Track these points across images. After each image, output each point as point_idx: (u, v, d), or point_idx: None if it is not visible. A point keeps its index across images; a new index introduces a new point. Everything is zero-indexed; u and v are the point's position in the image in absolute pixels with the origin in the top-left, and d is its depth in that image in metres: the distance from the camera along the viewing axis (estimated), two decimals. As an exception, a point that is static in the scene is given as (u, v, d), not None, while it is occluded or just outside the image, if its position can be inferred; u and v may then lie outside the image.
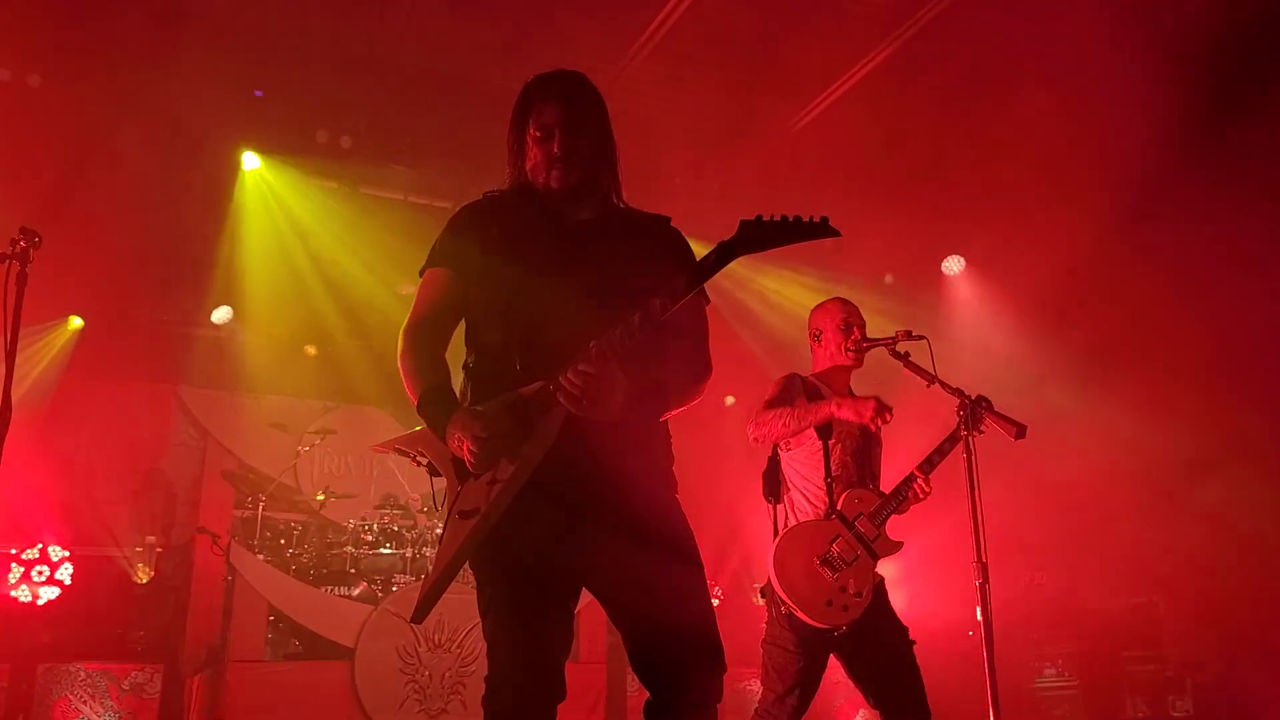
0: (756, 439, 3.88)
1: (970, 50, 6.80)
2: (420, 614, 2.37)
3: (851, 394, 4.01)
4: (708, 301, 2.60)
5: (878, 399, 3.70)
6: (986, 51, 6.74)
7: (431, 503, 2.58)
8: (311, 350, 9.02)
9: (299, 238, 7.96)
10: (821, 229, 2.28)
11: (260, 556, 7.30)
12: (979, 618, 3.36)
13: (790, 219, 2.28)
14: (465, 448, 2.32)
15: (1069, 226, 7.04)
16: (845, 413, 3.72)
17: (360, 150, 7.15)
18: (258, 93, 6.78)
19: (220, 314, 8.41)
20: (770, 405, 3.86)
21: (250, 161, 7.43)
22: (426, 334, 2.56)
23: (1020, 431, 3.49)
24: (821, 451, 3.85)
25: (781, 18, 6.93)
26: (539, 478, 2.32)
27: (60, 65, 6.37)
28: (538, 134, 2.53)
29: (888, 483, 3.94)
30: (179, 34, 6.39)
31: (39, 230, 3.10)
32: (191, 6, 6.60)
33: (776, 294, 8.84)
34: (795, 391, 3.92)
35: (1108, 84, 6.43)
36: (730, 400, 9.18)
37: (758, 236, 2.27)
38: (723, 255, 2.28)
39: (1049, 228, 7.19)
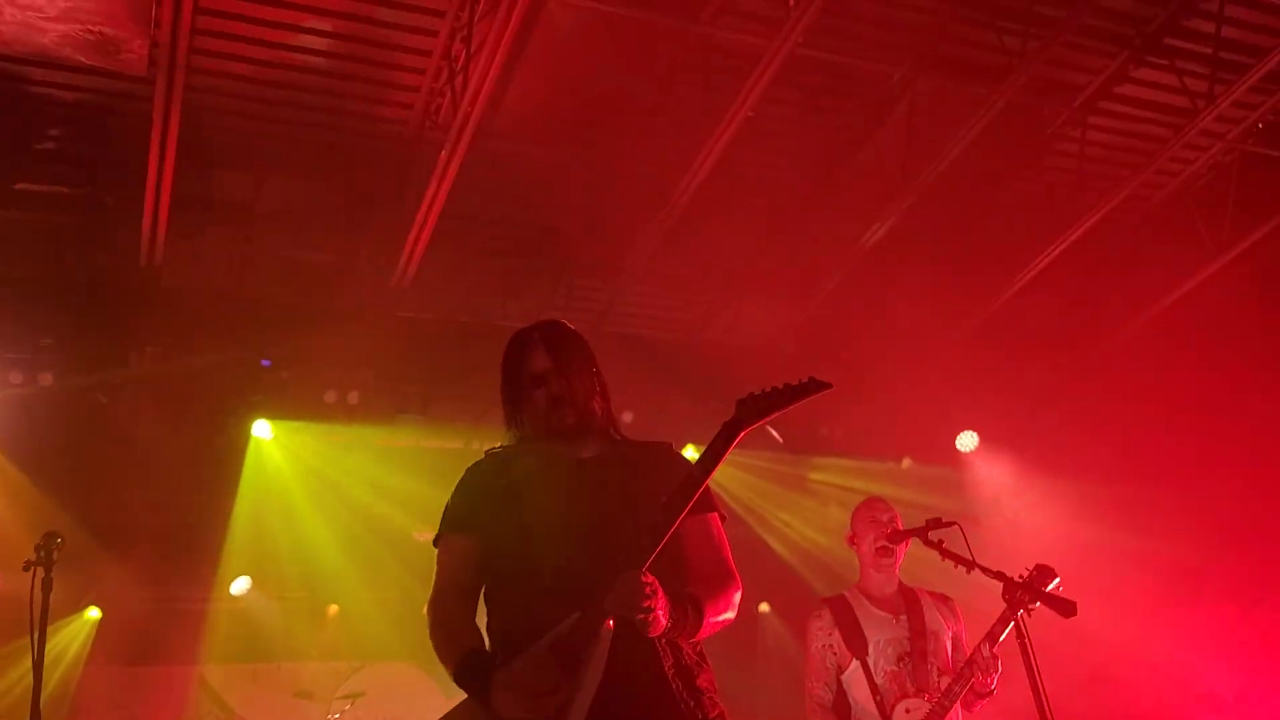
0: None
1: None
2: None
3: (901, 600, 4.02)
4: (724, 517, 2.62)
5: None
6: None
7: None
8: (334, 610, 8.85)
9: (313, 498, 7.94)
10: (811, 386, 2.39)
11: (294, 840, 6.89)
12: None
13: (781, 386, 2.39)
14: (523, 707, 2.24)
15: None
16: None
17: (368, 404, 7.25)
18: (265, 362, 6.96)
19: (239, 585, 8.29)
20: (815, 701, 3.94)
21: (261, 430, 7.51)
22: (452, 603, 2.56)
23: (1070, 610, 3.38)
24: (863, 671, 3.83)
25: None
26: (594, 715, 2.24)
27: (71, 359, 6.55)
28: (530, 382, 2.61)
29: None
30: (181, 311, 6.61)
31: (60, 531, 3.10)
32: (190, 281, 6.87)
33: (799, 498, 8.75)
34: (825, 642, 3.95)
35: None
36: (765, 608, 8.94)
37: (756, 409, 2.37)
38: (728, 435, 2.36)
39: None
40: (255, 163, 6.46)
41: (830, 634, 3.93)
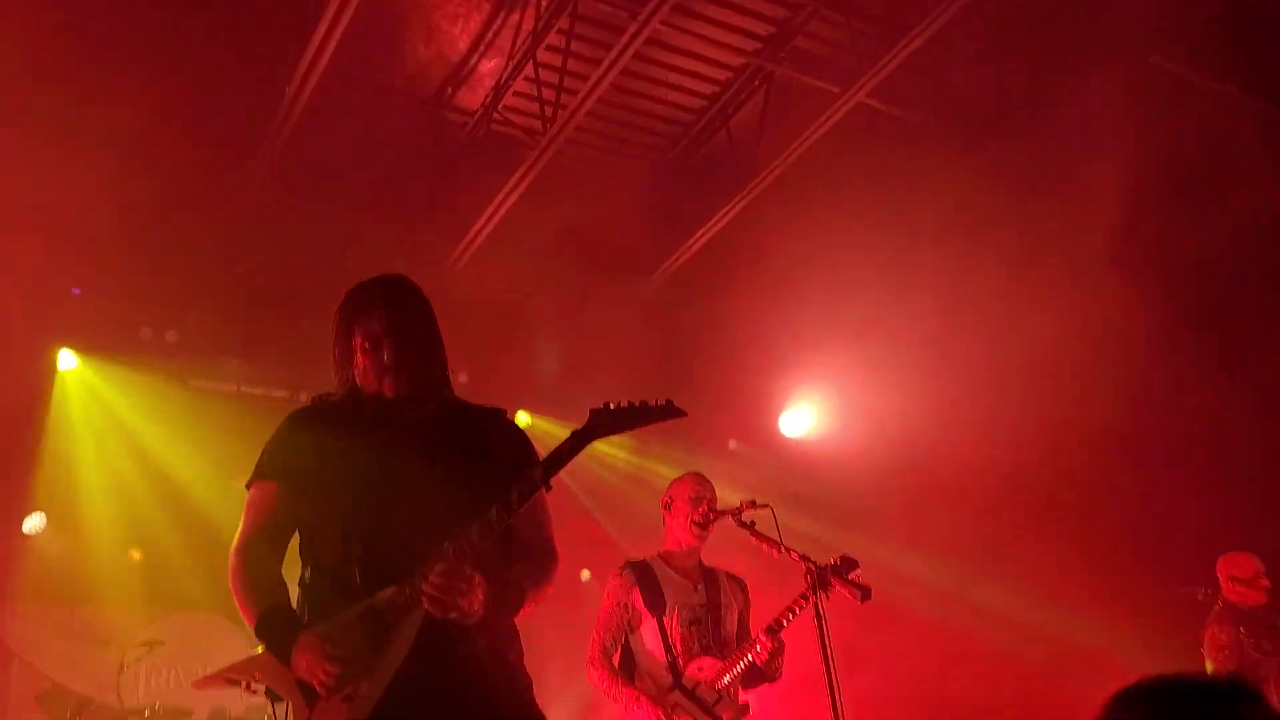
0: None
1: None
2: None
3: (700, 572, 4.22)
4: (549, 489, 2.59)
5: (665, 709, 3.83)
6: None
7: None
8: (136, 555, 8.45)
9: (122, 437, 7.56)
10: (668, 410, 2.39)
11: (75, 792, 6.57)
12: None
13: (637, 403, 2.37)
14: (320, 671, 2.20)
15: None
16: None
17: (189, 344, 6.94)
18: (75, 290, 6.56)
19: (32, 522, 7.81)
20: (599, 650, 4.06)
21: (67, 361, 7.08)
22: (259, 551, 2.47)
23: (865, 595, 3.58)
24: (657, 629, 4.01)
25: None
26: (394, 691, 2.22)
27: None
28: (365, 344, 2.51)
29: None
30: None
31: None
32: (5, 194, 6.39)
33: (626, 468, 8.87)
34: (621, 600, 4.10)
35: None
36: (586, 575, 9.03)
37: (609, 422, 2.35)
38: (576, 443, 2.34)
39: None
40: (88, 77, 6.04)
41: (629, 593, 4.10)
